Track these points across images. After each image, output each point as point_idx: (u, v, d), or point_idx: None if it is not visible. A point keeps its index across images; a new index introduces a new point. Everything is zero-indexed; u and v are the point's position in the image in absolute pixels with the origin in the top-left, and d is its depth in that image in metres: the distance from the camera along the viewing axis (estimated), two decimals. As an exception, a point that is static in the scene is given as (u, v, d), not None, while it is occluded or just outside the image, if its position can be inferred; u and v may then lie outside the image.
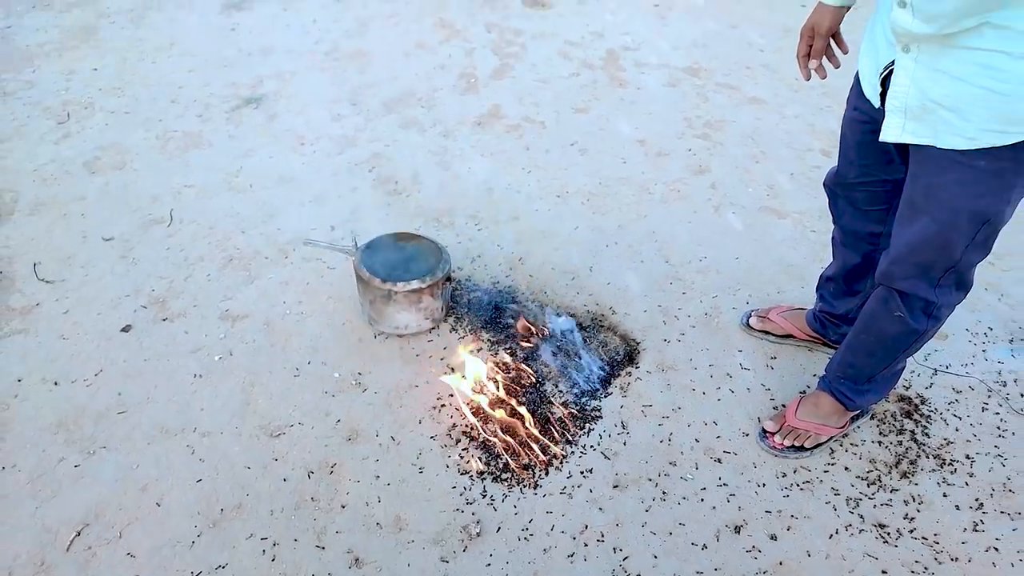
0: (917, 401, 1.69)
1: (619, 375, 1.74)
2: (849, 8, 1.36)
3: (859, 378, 1.50)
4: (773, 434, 1.58)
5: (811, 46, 1.39)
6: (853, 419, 1.60)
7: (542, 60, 3.03)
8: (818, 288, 1.74)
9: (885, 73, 1.19)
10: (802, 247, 2.13)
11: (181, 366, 1.75)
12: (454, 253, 2.05)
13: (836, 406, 1.55)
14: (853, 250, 1.58)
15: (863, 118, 1.34)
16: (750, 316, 1.86)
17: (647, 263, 2.05)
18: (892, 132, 1.18)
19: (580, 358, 1.75)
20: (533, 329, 1.80)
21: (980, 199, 1.15)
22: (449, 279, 1.79)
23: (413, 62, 3.02)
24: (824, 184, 1.57)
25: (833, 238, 1.64)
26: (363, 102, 2.76)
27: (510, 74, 2.94)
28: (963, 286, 1.34)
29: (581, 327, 1.85)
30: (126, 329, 1.84)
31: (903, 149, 1.29)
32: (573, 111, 2.71)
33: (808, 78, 1.42)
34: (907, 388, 1.72)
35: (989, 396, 1.70)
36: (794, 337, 1.81)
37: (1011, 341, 1.83)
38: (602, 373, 1.73)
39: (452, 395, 1.68)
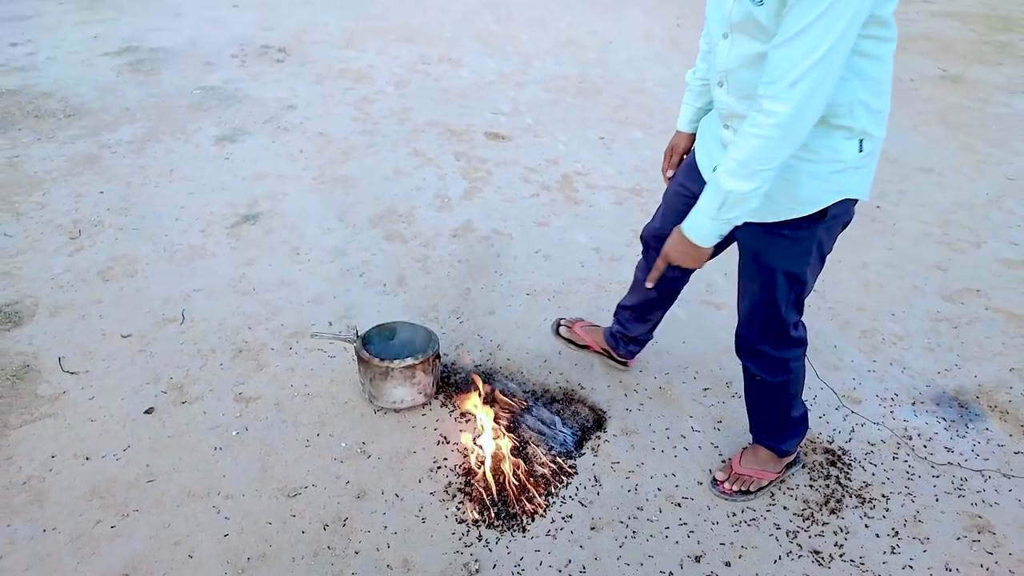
0: (840, 452, 2.00)
1: (590, 439, 2.02)
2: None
3: (774, 431, 1.82)
4: (723, 482, 1.86)
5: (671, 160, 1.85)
6: (788, 466, 1.90)
7: (506, 183, 3.46)
8: (616, 314, 2.16)
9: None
10: (738, 332, 2.49)
11: (202, 441, 1.96)
12: (444, 342, 2.34)
13: (770, 454, 1.85)
14: (654, 289, 1.93)
15: (688, 194, 1.67)
16: (560, 325, 2.32)
17: (608, 347, 2.37)
18: None
19: (555, 426, 2.02)
20: (514, 403, 2.08)
21: (791, 262, 1.51)
22: (438, 357, 2.08)
23: (392, 184, 3.41)
24: (641, 236, 1.94)
25: (637, 277, 2.03)
26: (350, 219, 3.11)
27: (479, 195, 3.35)
28: (798, 342, 1.67)
29: (555, 400, 2.13)
30: (149, 411, 2.06)
31: None
32: (536, 224, 3.11)
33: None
34: (831, 442, 2.03)
35: (898, 447, 2.02)
36: (590, 348, 2.28)
37: (913, 404, 2.18)
38: (575, 437, 2.01)
39: (447, 458, 1.92)
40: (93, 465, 1.87)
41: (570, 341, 2.31)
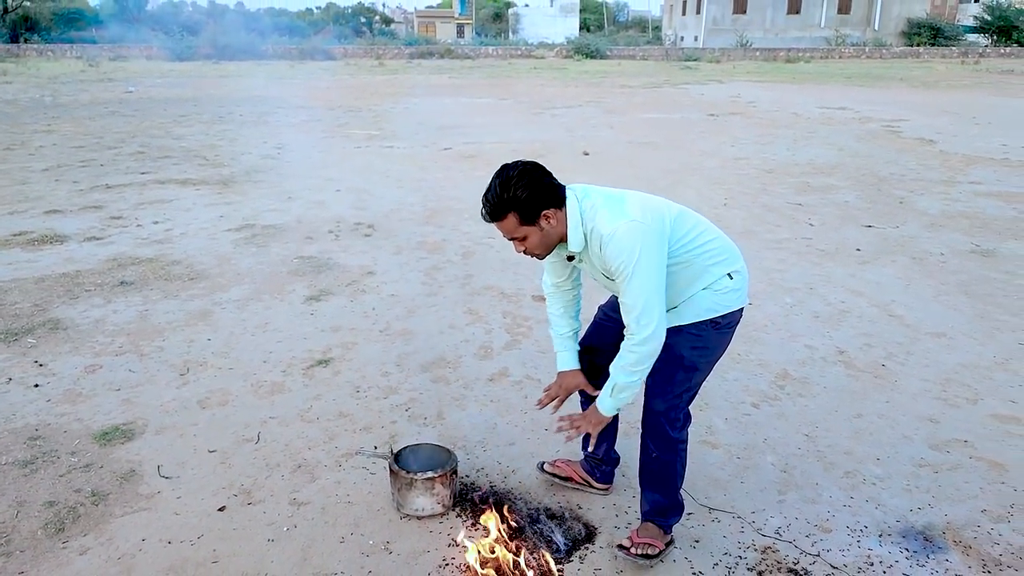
0: (802, 572, 2.23)
1: (579, 549, 2.34)
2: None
3: (662, 510, 2.27)
4: (629, 548, 2.23)
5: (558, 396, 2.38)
6: (668, 544, 2.28)
7: (543, 337, 3.95)
8: (583, 447, 2.58)
9: None
10: (728, 467, 2.79)
11: (259, 534, 2.40)
12: (464, 466, 2.75)
13: (659, 530, 2.27)
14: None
15: (611, 321, 2.30)
16: (543, 464, 2.68)
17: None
18: None
19: (552, 536, 2.36)
20: (519, 516, 2.44)
21: (690, 354, 2.12)
22: (455, 473, 2.49)
23: (445, 337, 3.97)
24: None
25: (581, 402, 2.52)
26: (405, 364, 3.66)
27: (518, 347, 3.85)
28: (685, 423, 2.23)
29: (554, 516, 2.48)
30: (221, 509, 2.54)
31: None
32: (563, 373, 3.55)
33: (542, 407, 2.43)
34: (796, 563, 2.27)
35: (859, 571, 2.24)
36: (572, 480, 2.62)
37: (880, 535, 2.40)
38: (567, 547, 2.34)
39: (454, 558, 2.28)
40: (173, 548, 2.34)
41: (554, 475, 2.66)
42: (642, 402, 2.24)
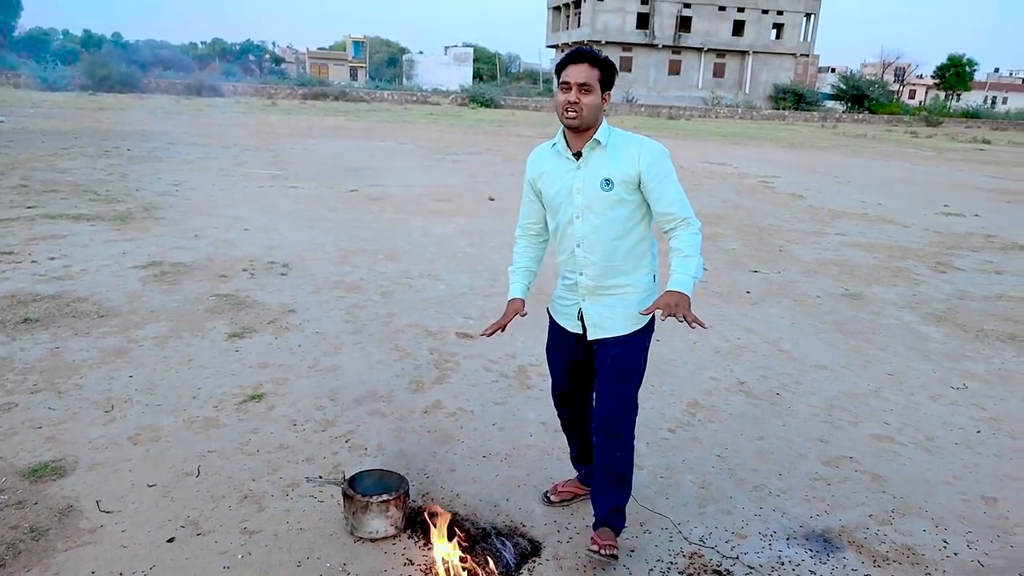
0: (725, 573, 2.51)
1: (527, 563, 2.52)
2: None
3: (618, 514, 2.55)
4: (601, 547, 2.44)
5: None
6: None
7: (471, 372, 4.14)
8: (574, 465, 2.92)
9: (579, 315, 2.49)
10: (653, 485, 3.05)
11: (213, 562, 2.44)
12: (413, 492, 2.87)
13: (612, 531, 2.53)
14: (583, 429, 2.79)
15: (570, 360, 2.60)
16: (546, 496, 2.87)
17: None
18: (592, 334, 2.45)
19: (500, 551, 2.53)
20: (469, 534, 2.60)
21: (638, 359, 2.47)
22: (407, 495, 2.62)
23: (375, 372, 4.08)
24: (555, 397, 2.75)
25: (567, 433, 2.85)
26: (339, 399, 3.74)
27: (448, 381, 4.02)
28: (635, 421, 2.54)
29: (500, 534, 2.65)
30: (171, 540, 2.54)
31: (588, 349, 2.52)
32: (494, 404, 3.75)
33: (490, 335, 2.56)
34: (719, 565, 2.54)
35: (772, 570, 2.54)
36: (577, 495, 2.87)
37: (787, 538, 2.73)
38: (516, 560, 2.51)
39: (411, 575, 2.41)
40: (125, 579, 2.33)
41: (561, 501, 2.86)
42: (599, 412, 2.50)
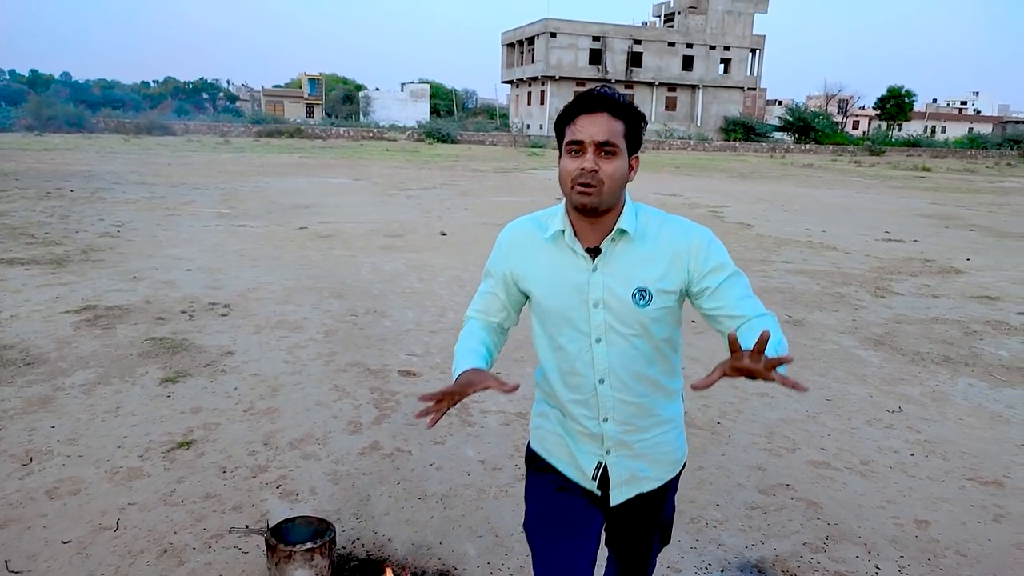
0: (659, 610, 2.47)
1: (457, 608, 2.45)
2: None
3: None
4: None
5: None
6: None
7: (411, 411, 4.07)
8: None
9: (596, 470, 1.73)
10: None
11: (126, 622, 2.31)
12: (340, 538, 2.79)
13: None
14: None
15: (576, 539, 1.76)
16: None
17: (484, 538, 2.87)
18: (618, 496, 1.74)
19: (429, 598, 2.46)
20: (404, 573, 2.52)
21: (672, 511, 1.90)
22: (333, 543, 2.54)
23: (313, 414, 3.99)
24: None
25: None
26: (272, 442, 3.64)
27: (387, 420, 3.94)
28: None
29: (431, 579, 2.58)
30: (81, 601, 2.41)
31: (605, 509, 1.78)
32: (432, 443, 3.68)
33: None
34: (653, 603, 2.51)
35: (707, 604, 2.51)
36: None
37: (722, 571, 2.71)
38: (445, 607, 2.44)
39: (335, 627, 2.32)
40: (28, 645, 2.20)
41: None
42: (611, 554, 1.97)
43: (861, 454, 3.74)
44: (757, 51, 55.54)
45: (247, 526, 2.87)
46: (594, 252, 1.64)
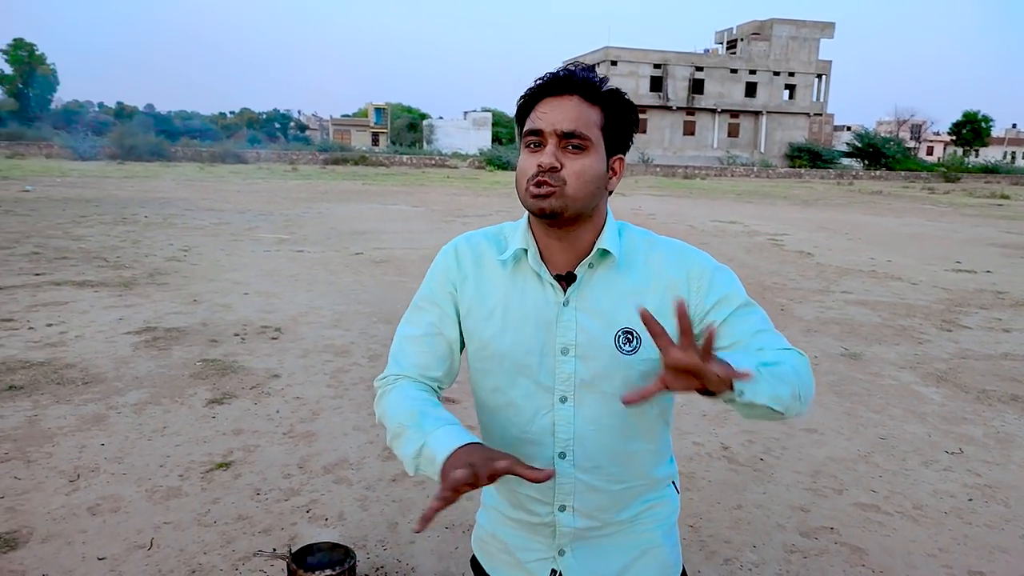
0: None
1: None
2: None
3: None
4: None
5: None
6: None
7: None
8: None
9: None
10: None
11: (148, 641, 2.35)
12: (364, 565, 2.78)
13: None
14: None
15: None
16: None
17: None
18: None
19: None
20: (415, 612, 2.49)
21: None
22: (354, 570, 2.53)
23: (349, 439, 4.02)
24: None
25: None
26: (308, 466, 3.68)
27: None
28: None
29: (451, 612, 2.55)
30: (109, 618, 2.47)
31: None
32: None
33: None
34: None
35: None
36: None
37: (755, 617, 2.59)
38: (462, 641, 2.40)
39: (350, 657, 2.30)
40: (54, 660, 2.25)
41: None
42: None
43: (914, 498, 3.54)
44: (823, 76, 54.50)
45: (274, 549, 2.90)
46: (566, 280, 1.27)
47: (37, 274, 8.34)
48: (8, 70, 63.83)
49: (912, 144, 67.04)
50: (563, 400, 1.28)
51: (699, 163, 48.40)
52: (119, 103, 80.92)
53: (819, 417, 4.59)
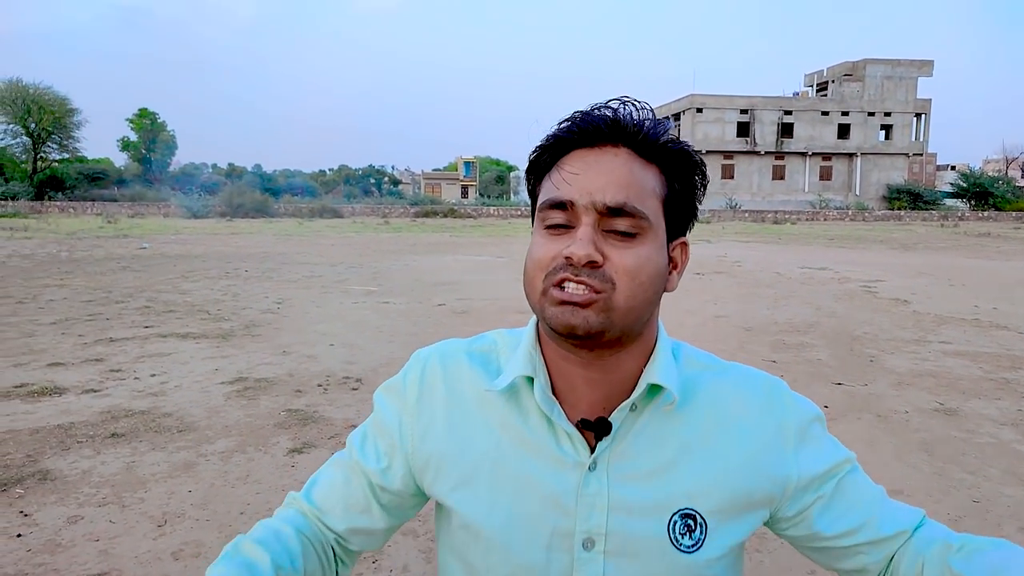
0: None
1: None
2: None
3: None
4: None
5: None
6: None
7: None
8: None
9: None
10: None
11: None
12: None
13: None
14: None
15: None
16: None
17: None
18: None
19: None
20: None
21: None
22: (411, 624, 2.58)
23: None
24: None
25: None
26: (377, 517, 3.78)
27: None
28: None
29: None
30: (182, 660, 2.61)
31: None
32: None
33: None
34: None
35: None
36: None
37: None
38: None
39: None
40: None
41: None
42: None
43: (1008, 568, 3.29)
44: (923, 115, 52.42)
45: None
46: (595, 429, 0.87)
47: (146, 327, 8.98)
48: (133, 136, 69.64)
49: (1023, 183, 63.11)
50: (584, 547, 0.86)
51: (789, 207, 47.17)
52: (230, 164, 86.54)
53: (906, 477, 4.36)
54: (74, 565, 3.27)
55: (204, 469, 4.42)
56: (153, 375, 6.64)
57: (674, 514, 0.85)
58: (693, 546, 0.85)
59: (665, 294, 0.88)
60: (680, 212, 0.86)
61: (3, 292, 11.61)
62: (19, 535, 3.54)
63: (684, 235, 0.90)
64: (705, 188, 0.88)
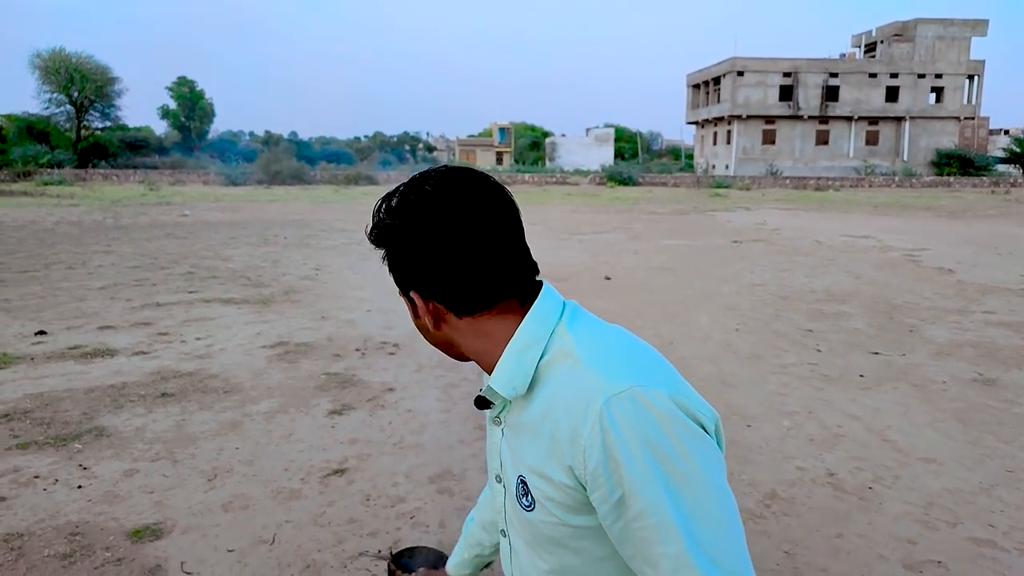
0: None
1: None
2: None
3: None
4: None
5: None
6: None
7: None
8: None
9: None
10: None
11: (266, 626, 2.63)
12: (458, 571, 2.96)
13: None
14: None
15: None
16: None
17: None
18: None
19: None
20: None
21: None
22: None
23: (454, 451, 4.24)
24: None
25: None
26: (414, 476, 3.92)
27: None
28: None
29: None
30: (234, 603, 2.78)
31: None
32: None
33: None
34: (759, 672, 2.41)
35: None
36: None
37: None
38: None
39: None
40: (188, 636, 2.58)
41: None
42: None
43: (1039, 535, 3.31)
44: (975, 77, 50.47)
45: (380, 551, 3.14)
46: (478, 404, 1.07)
47: (191, 291, 9.25)
48: (173, 105, 70.57)
49: (1083, 147, 60.55)
50: (503, 534, 1.14)
51: (833, 174, 46.05)
52: (267, 132, 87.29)
53: (940, 445, 4.35)
54: (131, 515, 3.47)
55: (250, 428, 4.61)
56: (199, 338, 6.87)
57: (519, 476, 1.02)
58: (528, 507, 1.01)
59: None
60: (403, 275, 1.06)
61: (55, 258, 12.03)
62: (80, 487, 3.76)
63: (416, 289, 1.05)
64: (429, 247, 0.99)
